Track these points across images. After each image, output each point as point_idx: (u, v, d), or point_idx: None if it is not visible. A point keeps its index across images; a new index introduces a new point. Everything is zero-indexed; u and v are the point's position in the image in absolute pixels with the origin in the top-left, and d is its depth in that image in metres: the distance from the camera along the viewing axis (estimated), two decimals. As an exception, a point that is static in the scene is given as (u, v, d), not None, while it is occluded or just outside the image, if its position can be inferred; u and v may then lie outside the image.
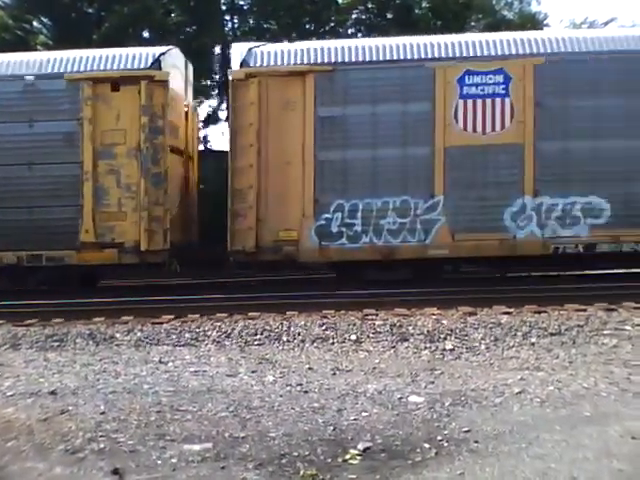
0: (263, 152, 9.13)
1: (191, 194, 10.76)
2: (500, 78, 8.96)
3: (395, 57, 9.15)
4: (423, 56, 9.12)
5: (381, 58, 9.16)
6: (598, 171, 8.87)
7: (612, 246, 8.86)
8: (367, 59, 9.17)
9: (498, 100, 8.96)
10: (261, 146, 9.12)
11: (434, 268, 9.34)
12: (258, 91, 9.09)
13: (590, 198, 8.87)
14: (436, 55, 9.11)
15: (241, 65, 9.26)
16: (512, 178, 8.93)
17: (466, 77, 8.98)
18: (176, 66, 10.11)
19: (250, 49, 9.37)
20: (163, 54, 9.60)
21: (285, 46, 9.61)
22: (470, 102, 8.99)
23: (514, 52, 9.08)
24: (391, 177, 9.03)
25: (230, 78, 9.37)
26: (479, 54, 9.08)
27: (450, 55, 9.09)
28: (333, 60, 9.17)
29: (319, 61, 9.16)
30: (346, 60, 9.17)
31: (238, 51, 9.45)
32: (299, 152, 9.10)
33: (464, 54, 9.09)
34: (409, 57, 9.14)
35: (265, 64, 9.22)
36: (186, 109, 10.70)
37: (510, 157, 8.95)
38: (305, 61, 9.17)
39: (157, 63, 9.42)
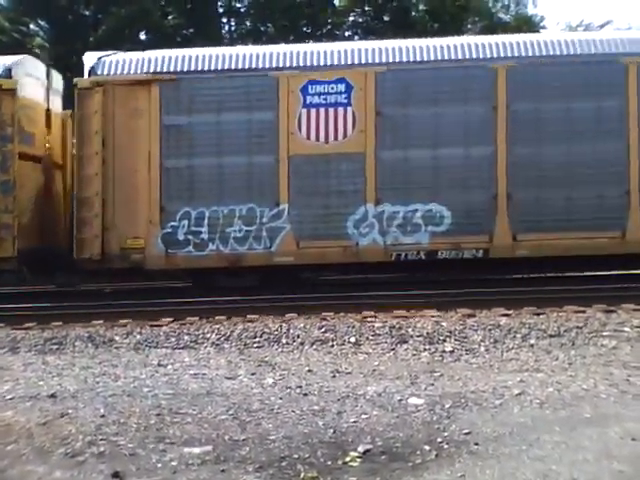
0: (109, 160, 9.13)
1: (56, 201, 10.62)
2: (342, 87, 9.03)
3: (240, 66, 9.20)
4: (267, 66, 9.18)
5: (226, 67, 9.20)
6: (439, 179, 9.01)
7: (453, 253, 8.95)
8: (212, 68, 9.21)
9: (340, 109, 9.04)
10: (107, 154, 9.13)
11: (283, 274, 9.37)
12: (103, 99, 9.12)
13: (431, 206, 8.97)
14: (280, 65, 9.18)
15: (89, 74, 9.31)
16: (355, 187, 9.02)
17: (309, 86, 9.04)
18: (32, 75, 10.14)
19: (100, 58, 9.42)
20: (15, 63, 9.66)
21: (133, 55, 9.61)
22: (313, 111, 9.06)
23: (356, 61, 9.15)
24: (237, 185, 9.09)
25: (76, 87, 9.35)
26: (322, 64, 9.16)
27: (294, 65, 9.17)
28: (179, 69, 9.21)
29: (165, 70, 9.21)
30: (191, 69, 9.21)
31: (88, 60, 9.49)
32: (145, 160, 9.13)
33: (307, 64, 9.17)
34: (253, 66, 9.20)
35: (112, 73, 9.26)
36: (48, 117, 10.57)
37: (352, 166, 9.03)
38: (151, 70, 9.22)
39: (7, 72, 9.45)
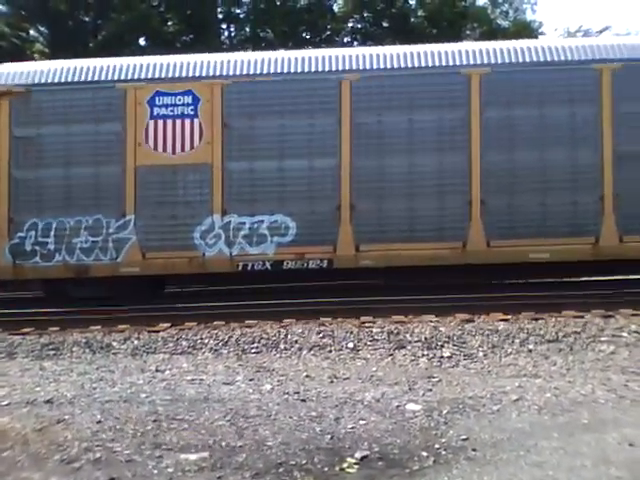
0: None
1: None
2: (189, 99, 9.14)
3: (89, 78, 9.27)
4: (116, 78, 9.27)
5: (75, 79, 9.28)
6: (284, 190, 9.09)
7: (298, 263, 9.02)
8: (61, 80, 9.29)
9: (187, 121, 9.15)
10: None
11: (133, 285, 9.39)
12: None
13: (276, 217, 9.06)
14: (128, 77, 9.26)
15: None
16: (201, 197, 9.10)
17: (156, 98, 9.15)
18: None
19: None
20: None
21: None
22: (160, 122, 9.16)
23: (204, 74, 9.24)
24: (84, 196, 9.14)
25: None
26: (170, 76, 9.25)
27: (142, 77, 9.25)
28: (29, 82, 9.29)
29: (15, 83, 9.29)
30: (42, 82, 9.29)
31: None
32: None
33: (155, 76, 9.25)
34: (102, 78, 9.27)
35: None
36: None
37: (199, 177, 9.12)
38: (2, 82, 9.31)
39: None
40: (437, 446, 4.06)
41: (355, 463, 3.84)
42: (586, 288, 8.94)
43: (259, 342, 7.17)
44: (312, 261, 9.01)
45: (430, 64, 9.18)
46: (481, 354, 6.58)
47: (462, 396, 5.10)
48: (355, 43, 23.68)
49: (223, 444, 4.18)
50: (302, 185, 9.09)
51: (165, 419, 4.67)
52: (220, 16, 24.38)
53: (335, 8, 25.17)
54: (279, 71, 9.22)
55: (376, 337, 7.10)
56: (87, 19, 22.26)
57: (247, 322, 7.90)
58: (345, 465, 3.81)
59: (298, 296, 8.94)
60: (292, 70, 9.23)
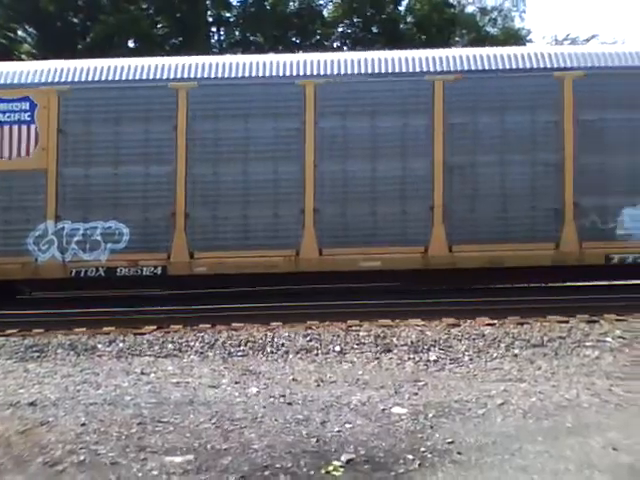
0: None
1: None
2: (26, 105, 9.26)
3: None
4: None
5: None
6: (119, 197, 9.19)
7: (132, 270, 9.12)
8: None
9: (24, 127, 9.26)
10: None
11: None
12: None
13: (111, 223, 9.15)
14: None
15: None
16: (36, 203, 9.18)
17: None
18: None
19: None
20: None
21: None
22: None
23: (42, 80, 9.35)
24: None
25: None
26: (8, 82, 9.36)
27: None
28: None
29: None
30: None
31: None
32: None
33: None
34: None
35: None
36: None
37: (34, 182, 9.20)
38: None
39: None
40: (423, 449, 4.07)
41: (341, 466, 3.84)
42: (571, 293, 9.02)
43: (245, 345, 7.15)
44: (146, 268, 9.07)
45: (267, 74, 9.28)
46: (467, 358, 6.61)
47: (448, 400, 5.12)
48: (345, 48, 23.77)
49: (208, 447, 4.16)
50: (137, 192, 9.17)
51: (150, 422, 4.64)
52: (210, 19, 24.39)
53: (325, 13, 25.28)
54: (116, 78, 9.29)
55: (363, 341, 7.11)
56: (76, 20, 22.17)
57: (234, 325, 7.87)
58: (331, 468, 3.81)
59: (285, 299, 8.93)
60: (130, 77, 9.30)
